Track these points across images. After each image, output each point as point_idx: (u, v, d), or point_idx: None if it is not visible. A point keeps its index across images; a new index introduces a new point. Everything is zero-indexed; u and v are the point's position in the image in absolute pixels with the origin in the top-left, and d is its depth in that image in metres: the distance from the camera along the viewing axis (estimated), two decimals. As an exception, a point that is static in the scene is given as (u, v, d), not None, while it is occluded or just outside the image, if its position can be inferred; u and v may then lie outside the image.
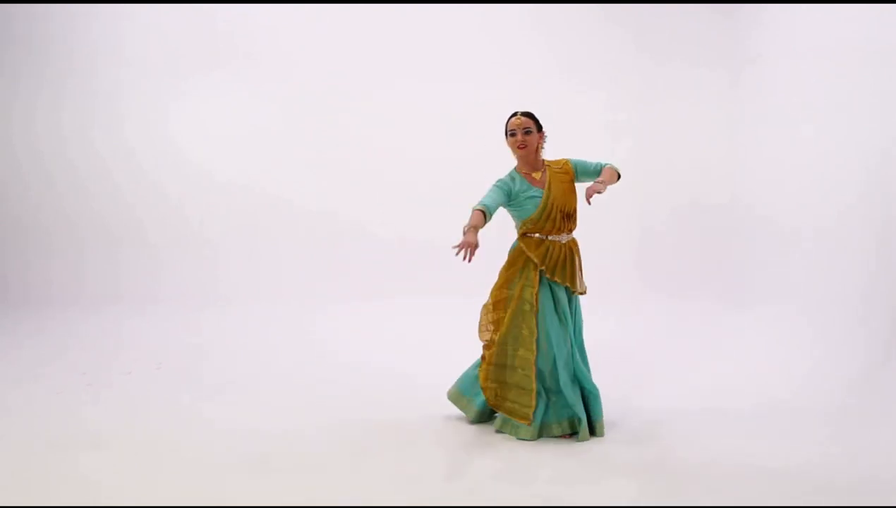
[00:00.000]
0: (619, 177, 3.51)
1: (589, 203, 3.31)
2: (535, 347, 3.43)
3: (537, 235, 3.51)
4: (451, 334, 5.42)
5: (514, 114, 3.57)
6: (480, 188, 6.61)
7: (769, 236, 5.74)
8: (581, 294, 3.58)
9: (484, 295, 6.51)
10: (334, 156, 6.57)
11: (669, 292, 6.14)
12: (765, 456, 3.22)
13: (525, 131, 3.50)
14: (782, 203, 5.59)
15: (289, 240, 6.58)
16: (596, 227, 6.50)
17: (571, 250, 3.54)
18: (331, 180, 6.57)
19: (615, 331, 5.30)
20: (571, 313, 3.54)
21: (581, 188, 3.48)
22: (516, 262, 3.55)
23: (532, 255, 3.48)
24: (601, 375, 3.76)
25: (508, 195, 3.50)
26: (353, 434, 3.53)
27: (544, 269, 3.47)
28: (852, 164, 4.81)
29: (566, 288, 3.51)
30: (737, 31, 6.20)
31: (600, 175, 3.47)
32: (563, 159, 3.59)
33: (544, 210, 3.46)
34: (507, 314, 3.51)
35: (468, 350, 5.00)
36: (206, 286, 6.45)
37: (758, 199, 5.95)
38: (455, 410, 3.84)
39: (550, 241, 3.49)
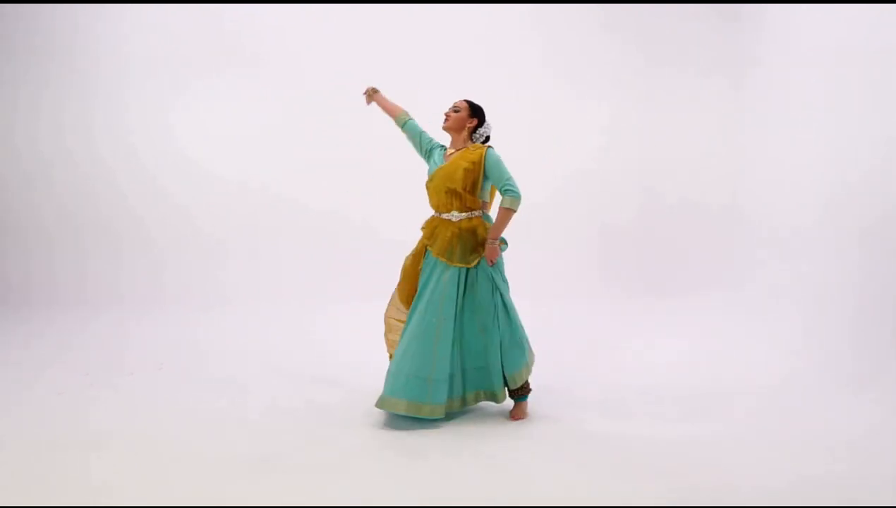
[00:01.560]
0: (514, 208, 3.57)
1: (491, 264, 3.57)
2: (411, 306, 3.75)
3: (434, 212, 3.74)
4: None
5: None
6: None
7: (770, 237, 5.74)
8: (471, 264, 3.61)
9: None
10: (336, 156, 6.58)
11: (670, 292, 6.15)
12: (761, 456, 3.23)
13: (454, 109, 3.79)
14: (783, 203, 5.60)
15: (291, 240, 6.60)
16: (597, 228, 6.59)
17: (462, 228, 3.61)
18: (332, 180, 6.59)
19: (613, 329, 5.30)
20: (463, 294, 3.60)
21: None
22: (417, 245, 3.80)
23: (423, 233, 3.75)
24: (600, 372, 3.77)
25: (425, 142, 3.87)
26: (353, 435, 3.54)
27: (429, 247, 3.67)
28: (853, 165, 4.82)
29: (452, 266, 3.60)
30: (738, 33, 6.21)
31: (496, 218, 3.58)
32: (482, 146, 3.70)
33: (431, 181, 3.69)
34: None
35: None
36: (208, 286, 6.47)
37: (759, 200, 5.96)
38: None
39: (440, 219, 3.68)
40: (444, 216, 3.68)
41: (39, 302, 6.36)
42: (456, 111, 3.78)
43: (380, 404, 3.61)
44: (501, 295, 3.65)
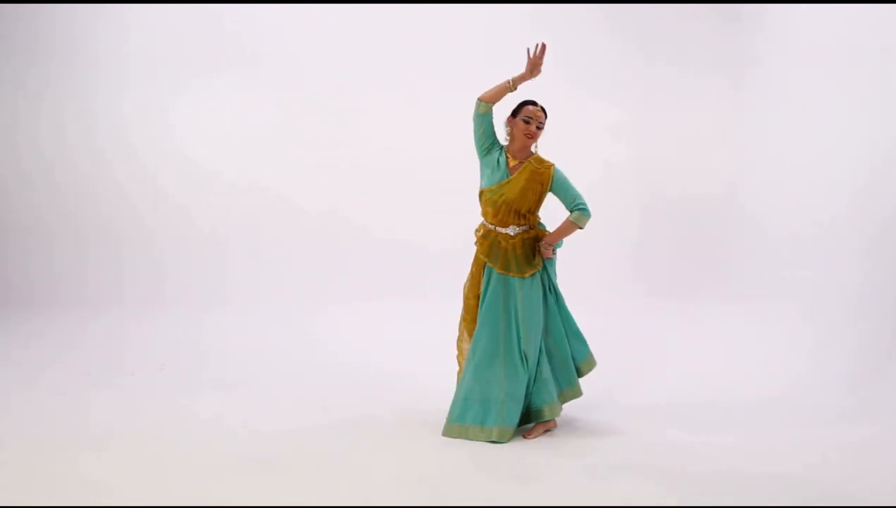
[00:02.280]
0: (582, 225, 3.48)
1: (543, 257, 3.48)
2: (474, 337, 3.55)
3: (488, 224, 3.54)
4: (452, 334, 5.44)
5: (533, 102, 3.52)
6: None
7: (771, 237, 5.74)
8: (526, 275, 3.49)
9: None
10: (337, 157, 6.58)
11: (671, 293, 6.14)
12: (763, 457, 3.23)
13: (538, 126, 3.48)
14: (784, 204, 5.60)
15: (292, 241, 6.60)
16: (597, 229, 6.56)
17: (523, 242, 3.49)
18: (334, 181, 6.59)
19: (615, 331, 5.29)
20: (522, 303, 3.48)
21: (549, 206, 3.54)
22: (475, 263, 3.60)
23: (479, 250, 3.55)
24: (601, 373, 3.78)
25: (489, 137, 3.52)
26: (354, 435, 3.55)
27: (489, 264, 3.50)
28: (853, 165, 4.82)
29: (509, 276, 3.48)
30: (738, 33, 6.21)
31: (559, 226, 3.49)
32: (550, 163, 3.51)
33: (493, 194, 3.48)
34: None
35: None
36: (210, 287, 6.47)
37: (759, 201, 5.96)
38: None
39: (497, 233, 3.51)
40: (501, 230, 3.51)
41: (40, 302, 6.36)
42: (540, 127, 3.50)
43: (447, 432, 3.51)
44: (556, 292, 3.57)
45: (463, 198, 6.58)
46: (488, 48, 6.51)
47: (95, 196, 6.66)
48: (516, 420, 3.47)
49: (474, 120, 3.52)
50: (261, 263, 6.59)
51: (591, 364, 3.68)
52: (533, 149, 3.53)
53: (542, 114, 3.50)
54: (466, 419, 3.47)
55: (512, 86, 3.47)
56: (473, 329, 3.57)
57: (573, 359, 3.62)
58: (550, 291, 3.56)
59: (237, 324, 5.75)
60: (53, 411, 3.89)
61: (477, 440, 3.43)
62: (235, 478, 3.07)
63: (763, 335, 5.09)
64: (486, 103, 3.48)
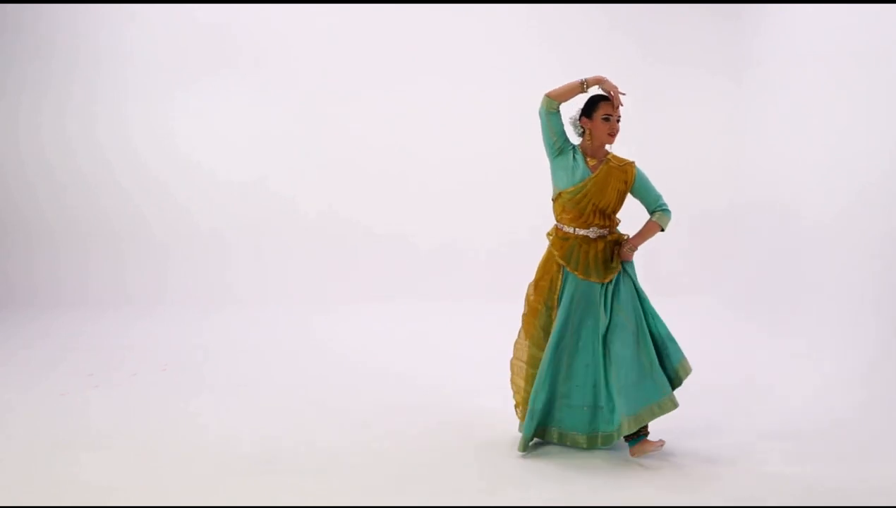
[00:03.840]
0: (664, 226, 3.33)
1: (622, 258, 3.27)
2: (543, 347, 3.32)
3: (566, 227, 3.31)
4: (456, 335, 5.46)
5: (606, 98, 3.26)
6: (487, 189, 6.68)
7: (772, 238, 5.74)
8: (607, 280, 3.27)
9: (490, 297, 6.49)
10: (339, 157, 6.60)
11: (672, 294, 6.13)
12: (777, 462, 3.23)
13: (619, 118, 3.26)
14: (786, 206, 5.59)
15: (296, 241, 6.61)
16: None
17: (605, 245, 3.29)
18: (338, 182, 6.60)
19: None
20: (606, 309, 3.25)
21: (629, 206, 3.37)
22: (546, 265, 3.37)
23: (556, 253, 3.31)
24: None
25: (564, 135, 3.28)
26: (356, 436, 3.56)
27: (569, 268, 3.27)
28: (855, 165, 4.81)
29: (593, 283, 3.26)
30: (740, 33, 6.20)
31: (642, 228, 3.31)
32: (630, 162, 3.33)
33: (576, 194, 3.24)
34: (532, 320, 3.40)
35: (472, 350, 5.05)
36: (213, 287, 6.48)
37: (760, 201, 5.95)
38: (457, 412, 3.87)
39: (577, 236, 3.28)
40: (581, 232, 3.29)
41: (43, 303, 6.38)
42: (619, 121, 3.28)
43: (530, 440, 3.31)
44: (640, 296, 3.33)
45: (470, 198, 6.64)
46: (490, 48, 6.53)
47: (97, 197, 6.68)
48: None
49: (542, 119, 3.29)
50: (263, 264, 6.60)
51: (686, 368, 3.32)
52: (608, 147, 3.33)
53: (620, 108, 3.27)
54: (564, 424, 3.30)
55: (584, 88, 3.22)
56: (534, 332, 3.35)
57: (669, 364, 3.29)
58: (637, 295, 3.32)
59: (239, 325, 5.76)
60: (55, 411, 3.91)
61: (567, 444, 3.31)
62: (237, 478, 3.08)
63: (764, 335, 5.08)
64: (556, 102, 3.23)
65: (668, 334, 3.33)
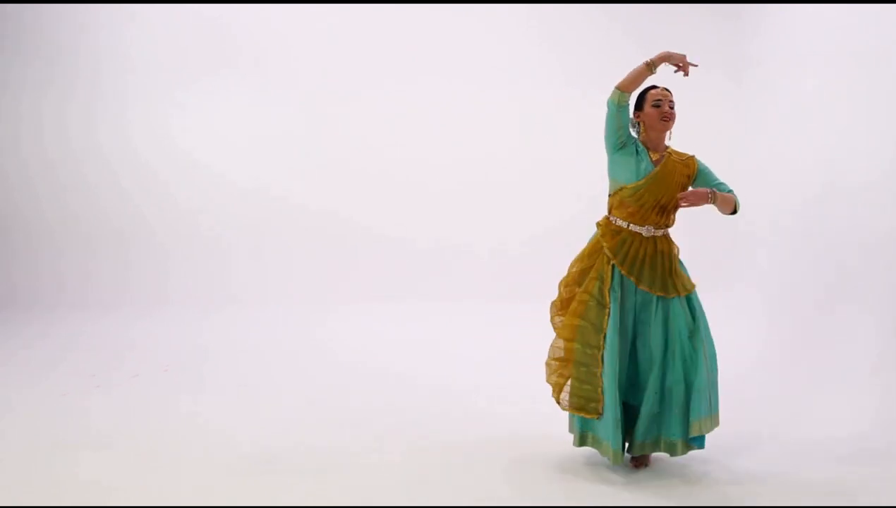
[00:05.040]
0: (738, 207, 3.23)
1: (679, 204, 3.09)
2: (602, 342, 3.06)
3: (619, 221, 3.16)
4: (456, 335, 5.46)
5: (654, 87, 3.20)
6: (489, 190, 6.67)
7: (773, 240, 5.73)
8: (672, 295, 3.10)
9: (491, 297, 6.49)
10: (341, 157, 6.59)
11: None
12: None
13: (671, 104, 3.16)
14: (786, 207, 5.58)
15: (296, 241, 6.61)
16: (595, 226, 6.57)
17: (657, 247, 3.13)
18: (339, 182, 6.60)
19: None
20: (650, 321, 3.09)
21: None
22: (591, 256, 3.19)
23: (605, 245, 3.13)
24: None
25: (625, 132, 3.13)
26: (356, 436, 3.56)
27: (616, 263, 3.09)
28: (856, 165, 4.81)
29: (644, 292, 3.09)
30: (740, 33, 6.20)
31: (721, 195, 3.14)
32: (690, 155, 3.26)
33: (639, 189, 3.09)
34: (574, 317, 3.14)
35: (472, 350, 5.05)
36: (215, 288, 6.49)
37: (761, 201, 5.94)
38: (458, 411, 3.87)
39: (630, 232, 3.13)
40: (635, 228, 3.13)
41: (45, 304, 6.39)
42: (672, 105, 3.18)
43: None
44: (697, 319, 3.13)
45: (472, 198, 6.64)
46: (490, 48, 6.52)
47: (98, 197, 6.68)
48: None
49: (610, 111, 3.13)
50: (264, 264, 6.60)
51: (703, 427, 3.05)
52: (667, 141, 3.23)
53: (669, 93, 3.19)
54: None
55: (650, 69, 3.06)
56: (574, 329, 3.12)
57: (688, 411, 3.04)
58: (692, 318, 3.12)
59: (239, 325, 5.77)
60: (57, 412, 3.91)
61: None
62: (237, 478, 3.09)
63: (767, 337, 5.08)
64: (625, 93, 3.08)
65: (712, 380, 3.08)
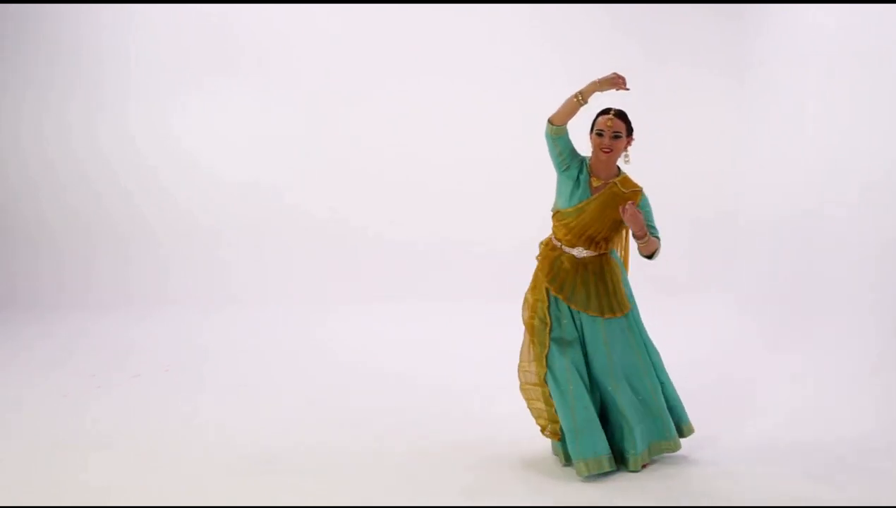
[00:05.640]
0: (654, 253, 3.06)
1: (621, 214, 2.96)
2: (545, 363, 3.11)
3: (555, 240, 3.18)
4: (456, 335, 5.46)
5: (607, 111, 3.09)
6: (490, 190, 6.66)
7: (774, 241, 5.73)
8: (607, 316, 3.09)
9: (491, 297, 6.46)
10: (342, 157, 6.59)
11: (673, 298, 6.12)
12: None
13: (614, 135, 3.04)
14: (788, 207, 5.58)
15: (297, 242, 6.60)
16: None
17: (589, 268, 3.11)
18: (340, 182, 6.59)
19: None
20: (595, 340, 3.10)
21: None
22: (535, 277, 3.23)
23: (539, 266, 3.19)
24: None
25: (572, 155, 3.10)
26: (356, 436, 3.56)
27: (546, 283, 3.12)
28: (859, 165, 4.80)
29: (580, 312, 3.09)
30: (742, 33, 6.19)
31: (650, 238, 3.03)
32: (639, 188, 3.14)
33: (568, 215, 3.09)
34: (528, 337, 3.21)
35: (473, 350, 5.05)
36: (215, 289, 6.48)
37: (763, 204, 5.94)
38: (458, 412, 3.86)
39: (563, 252, 3.14)
40: (567, 249, 3.14)
41: (44, 304, 6.38)
42: (616, 136, 3.05)
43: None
44: (647, 347, 3.17)
45: (473, 199, 6.63)
46: (492, 48, 6.52)
47: (99, 197, 6.68)
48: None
49: (548, 143, 3.13)
50: (265, 264, 6.60)
51: (656, 450, 3.17)
52: (622, 164, 3.13)
53: (619, 122, 3.05)
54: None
55: (581, 99, 3.00)
56: (540, 351, 3.12)
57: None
58: (634, 337, 3.15)
59: (241, 326, 5.77)
60: (57, 412, 3.91)
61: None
62: (237, 478, 3.09)
63: (768, 339, 5.07)
64: (557, 127, 3.05)
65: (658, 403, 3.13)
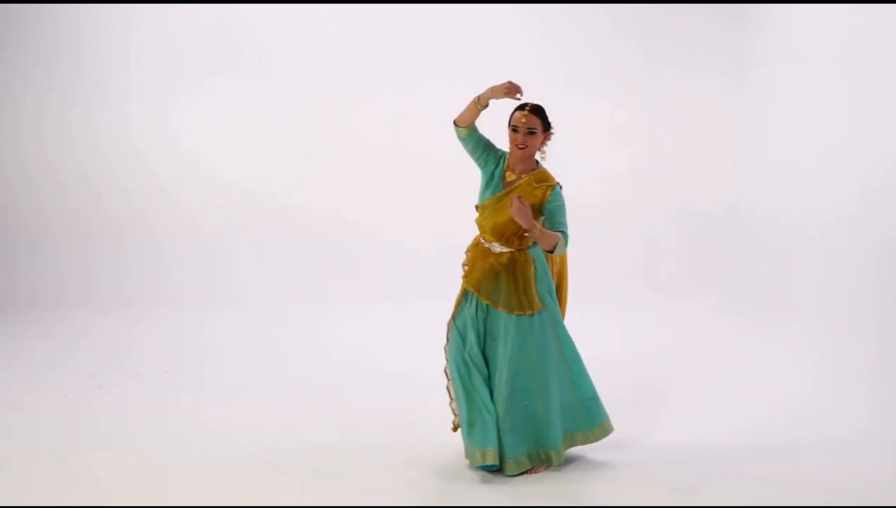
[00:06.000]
0: (558, 248, 2.93)
1: (511, 205, 2.85)
2: (446, 355, 3.22)
3: (477, 234, 3.19)
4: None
5: (523, 107, 3.08)
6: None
7: (774, 241, 5.73)
8: (516, 313, 3.04)
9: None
10: (343, 158, 6.58)
11: (674, 298, 6.12)
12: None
13: (529, 131, 3.03)
14: (788, 207, 5.58)
15: (297, 242, 6.60)
16: (600, 233, 6.57)
17: (502, 263, 3.07)
18: (339, 183, 6.59)
19: (620, 340, 5.23)
20: (497, 335, 3.08)
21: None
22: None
23: (464, 262, 3.21)
24: (612, 386, 3.63)
25: (486, 151, 3.16)
26: (356, 436, 3.56)
27: (462, 276, 3.16)
28: (860, 166, 4.80)
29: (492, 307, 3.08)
30: (742, 33, 6.19)
31: (545, 232, 2.94)
32: (551, 184, 3.06)
33: (482, 209, 3.11)
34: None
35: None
36: (215, 289, 6.48)
37: (764, 204, 5.94)
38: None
39: (481, 245, 3.15)
40: (486, 244, 3.13)
41: (46, 304, 6.38)
42: (531, 132, 3.04)
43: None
44: (562, 345, 3.13)
45: (466, 199, 6.61)
46: (492, 49, 6.51)
47: (100, 197, 6.68)
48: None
49: (461, 143, 3.24)
50: (264, 264, 6.60)
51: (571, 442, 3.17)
52: (539, 159, 3.13)
53: (534, 118, 3.04)
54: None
55: (480, 102, 3.08)
56: (445, 344, 3.23)
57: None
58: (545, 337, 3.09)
59: (241, 326, 5.77)
60: (57, 412, 3.91)
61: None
62: (237, 478, 3.08)
63: (768, 342, 5.07)
64: (462, 128, 3.16)
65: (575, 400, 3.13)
